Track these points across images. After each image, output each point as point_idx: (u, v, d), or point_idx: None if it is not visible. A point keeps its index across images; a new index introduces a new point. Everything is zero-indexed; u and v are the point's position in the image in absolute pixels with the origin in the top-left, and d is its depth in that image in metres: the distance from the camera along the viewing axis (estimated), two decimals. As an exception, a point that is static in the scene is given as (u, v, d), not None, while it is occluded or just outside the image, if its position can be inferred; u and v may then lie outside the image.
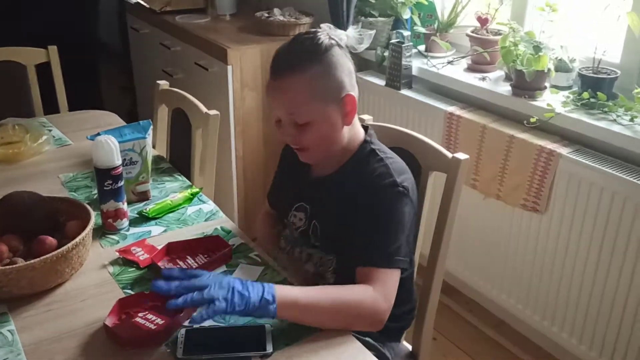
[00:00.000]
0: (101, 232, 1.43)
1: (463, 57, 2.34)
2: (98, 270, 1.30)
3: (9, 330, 1.11)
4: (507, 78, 2.17)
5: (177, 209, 1.54)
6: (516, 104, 2.03)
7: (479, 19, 2.27)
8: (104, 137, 1.38)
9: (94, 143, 1.38)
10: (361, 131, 1.32)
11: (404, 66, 2.33)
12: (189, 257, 1.33)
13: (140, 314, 1.15)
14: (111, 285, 1.25)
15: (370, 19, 2.51)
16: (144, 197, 1.58)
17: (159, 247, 1.34)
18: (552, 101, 1.94)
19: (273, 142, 2.72)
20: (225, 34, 2.74)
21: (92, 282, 1.26)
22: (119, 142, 1.42)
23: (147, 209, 1.50)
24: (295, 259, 1.36)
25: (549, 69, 1.97)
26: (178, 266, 1.31)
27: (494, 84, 2.16)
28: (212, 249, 1.35)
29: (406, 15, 2.44)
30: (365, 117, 1.54)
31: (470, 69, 2.28)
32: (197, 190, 1.61)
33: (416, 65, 2.37)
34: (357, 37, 2.44)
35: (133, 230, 1.45)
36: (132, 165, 1.55)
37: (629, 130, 1.76)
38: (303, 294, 1.10)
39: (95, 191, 1.56)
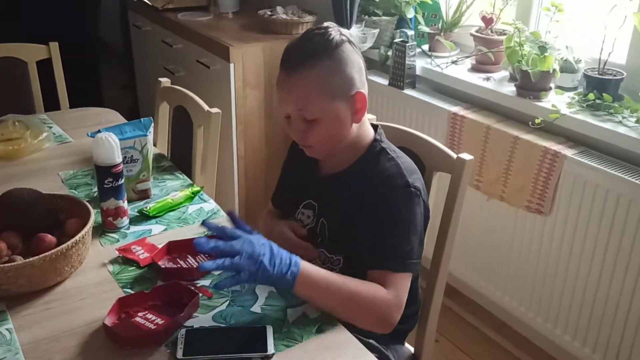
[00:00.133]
0: (101, 231, 1.41)
1: (467, 57, 2.32)
2: (98, 269, 1.28)
3: (7, 329, 1.09)
4: (512, 78, 2.16)
5: (178, 208, 1.52)
6: (521, 104, 2.02)
7: (484, 18, 2.26)
8: (105, 135, 1.36)
9: (95, 140, 1.36)
10: (371, 130, 1.31)
11: (407, 65, 2.32)
12: (189, 257, 1.32)
13: (140, 314, 1.13)
14: (111, 284, 1.24)
15: (374, 18, 2.50)
16: (144, 195, 1.57)
17: (160, 246, 1.33)
18: (557, 102, 1.93)
19: (275, 142, 2.70)
20: (228, 31, 2.72)
21: (91, 281, 1.24)
22: (120, 140, 1.41)
23: (148, 208, 1.49)
24: (301, 255, 1.35)
25: (554, 70, 1.95)
26: (178, 266, 1.29)
27: (499, 84, 2.14)
28: (213, 249, 1.33)
29: (410, 14, 2.42)
30: (369, 116, 1.52)
31: (475, 69, 2.26)
32: (198, 189, 1.59)
33: (420, 64, 2.35)
34: (361, 36, 2.43)
35: (133, 228, 1.43)
36: (132, 163, 1.53)
37: (635, 132, 1.74)
38: (324, 279, 1.11)
39: (96, 189, 1.55)
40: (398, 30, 2.42)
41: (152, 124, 1.61)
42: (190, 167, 1.83)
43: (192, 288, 1.18)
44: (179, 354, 1.02)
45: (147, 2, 3.09)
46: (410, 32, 2.32)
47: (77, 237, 1.20)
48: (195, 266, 1.28)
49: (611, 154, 1.82)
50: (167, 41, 2.94)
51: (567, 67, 2.01)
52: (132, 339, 1.06)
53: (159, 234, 1.42)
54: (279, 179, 1.49)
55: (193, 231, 1.43)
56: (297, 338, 1.09)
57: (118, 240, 1.38)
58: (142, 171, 1.55)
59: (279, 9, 2.76)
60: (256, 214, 2.75)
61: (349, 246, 1.24)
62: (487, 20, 2.25)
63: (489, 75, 2.20)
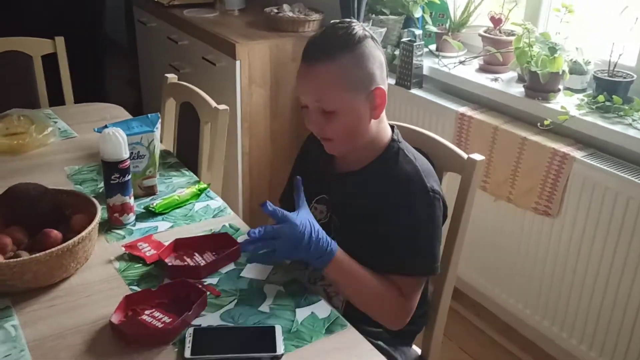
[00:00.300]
0: (107, 227, 1.39)
1: (475, 58, 2.30)
2: (103, 266, 1.27)
3: (12, 325, 1.08)
4: (520, 79, 2.14)
5: (184, 205, 1.51)
6: (529, 105, 2.00)
7: (492, 19, 2.24)
8: (112, 130, 1.35)
9: (102, 135, 1.35)
10: (389, 129, 1.30)
11: (414, 65, 2.30)
12: (196, 254, 1.30)
13: (146, 312, 1.12)
14: (117, 281, 1.22)
15: (381, 17, 2.48)
16: (150, 191, 1.55)
17: (166, 243, 1.31)
18: (566, 104, 1.91)
19: (280, 139, 2.69)
20: (234, 28, 2.70)
21: (97, 278, 1.23)
22: (127, 135, 1.39)
23: (154, 204, 1.47)
24: None
25: (563, 71, 1.94)
26: (185, 263, 1.28)
27: (507, 85, 2.13)
28: (220, 247, 1.32)
29: (417, 14, 2.41)
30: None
31: (482, 69, 2.25)
32: (205, 186, 1.58)
33: (427, 64, 2.34)
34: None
35: (139, 225, 1.42)
36: (139, 159, 1.52)
37: (645, 134, 1.73)
38: (353, 270, 1.18)
39: (101, 185, 1.54)
40: (406, 30, 2.41)
41: (159, 120, 1.59)
42: (196, 163, 1.81)
43: (200, 286, 1.17)
44: (187, 353, 1.01)
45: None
46: (418, 32, 2.31)
47: (83, 233, 1.18)
48: (202, 264, 1.26)
49: (621, 156, 1.81)
50: (172, 37, 2.93)
51: (576, 69, 2.00)
52: (139, 337, 1.05)
53: (165, 231, 1.40)
54: (290, 175, 1.48)
55: (200, 228, 1.41)
56: (306, 338, 1.07)
57: (124, 237, 1.37)
58: (148, 167, 1.53)
59: (285, 6, 2.75)
60: (260, 212, 2.73)
61: (361, 243, 1.23)
62: (496, 21, 2.23)
63: (497, 75, 2.19)
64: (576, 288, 1.89)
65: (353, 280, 1.19)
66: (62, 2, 3.17)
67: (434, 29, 2.40)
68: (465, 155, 1.36)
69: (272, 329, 1.07)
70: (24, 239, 1.25)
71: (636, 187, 1.67)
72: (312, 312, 1.14)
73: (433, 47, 2.44)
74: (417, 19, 2.42)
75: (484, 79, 2.17)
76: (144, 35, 3.36)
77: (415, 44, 2.27)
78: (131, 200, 1.40)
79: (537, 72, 1.94)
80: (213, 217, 1.47)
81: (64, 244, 1.15)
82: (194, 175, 1.68)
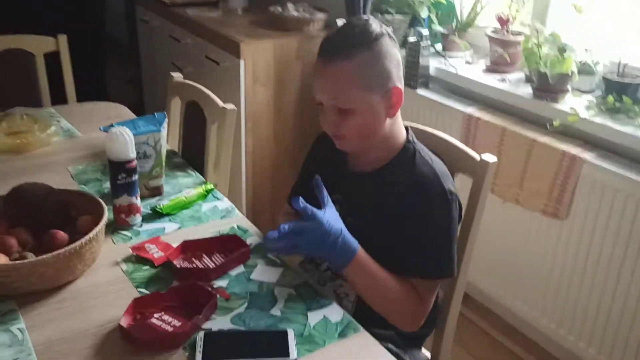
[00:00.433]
0: (113, 228, 1.37)
1: (482, 58, 2.28)
2: (110, 268, 1.24)
3: (18, 329, 1.06)
4: (528, 80, 2.12)
5: (192, 206, 1.49)
6: (538, 106, 1.98)
7: (499, 19, 2.22)
8: (119, 129, 1.33)
9: (108, 135, 1.33)
10: (404, 129, 1.28)
11: (421, 65, 2.28)
12: (205, 256, 1.28)
13: (155, 315, 1.09)
14: (124, 283, 1.20)
15: (387, 16, 2.46)
16: (156, 192, 1.53)
17: (174, 245, 1.29)
18: (575, 105, 1.89)
19: (284, 139, 2.67)
20: (238, 27, 2.68)
21: (104, 280, 1.20)
22: (133, 135, 1.37)
23: (161, 205, 1.45)
24: None
25: (572, 72, 1.92)
26: (194, 265, 1.25)
27: (514, 85, 2.11)
28: (229, 249, 1.29)
29: (424, 13, 2.39)
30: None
31: (489, 70, 2.23)
32: (212, 186, 1.56)
33: (433, 64, 2.32)
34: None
35: (146, 226, 1.40)
36: (145, 159, 1.49)
37: (656, 136, 1.71)
38: (373, 272, 1.17)
39: (106, 185, 1.51)
40: (412, 29, 2.39)
41: (166, 119, 1.57)
42: (202, 163, 1.79)
43: (210, 289, 1.14)
44: (199, 358, 0.99)
45: (155, -4, 3.06)
46: (425, 32, 2.29)
47: (91, 235, 1.16)
48: (211, 267, 1.24)
49: (631, 158, 1.79)
50: (175, 36, 2.90)
51: (584, 70, 1.98)
52: (149, 341, 1.03)
53: (172, 232, 1.38)
54: (299, 176, 1.46)
55: (207, 230, 1.39)
56: (319, 342, 1.05)
57: (131, 238, 1.35)
58: (154, 167, 1.51)
59: (289, 5, 2.72)
60: (263, 212, 2.72)
61: (376, 244, 1.21)
62: (503, 21, 2.21)
63: (504, 76, 2.17)
64: (584, 291, 1.88)
65: (373, 281, 1.18)
66: (63, 1, 3.14)
67: (440, 28, 2.38)
68: (477, 157, 1.34)
69: (285, 332, 1.05)
70: (29, 240, 1.23)
71: (647, 189, 1.65)
72: (324, 316, 1.12)
73: (439, 47, 2.42)
74: (424, 19, 2.40)
75: (492, 80, 2.15)
76: (146, 34, 3.34)
77: (422, 43, 2.25)
78: (138, 201, 1.38)
79: (546, 73, 1.92)
80: (221, 218, 1.44)
81: (71, 245, 1.13)
82: (200, 176, 1.66)
